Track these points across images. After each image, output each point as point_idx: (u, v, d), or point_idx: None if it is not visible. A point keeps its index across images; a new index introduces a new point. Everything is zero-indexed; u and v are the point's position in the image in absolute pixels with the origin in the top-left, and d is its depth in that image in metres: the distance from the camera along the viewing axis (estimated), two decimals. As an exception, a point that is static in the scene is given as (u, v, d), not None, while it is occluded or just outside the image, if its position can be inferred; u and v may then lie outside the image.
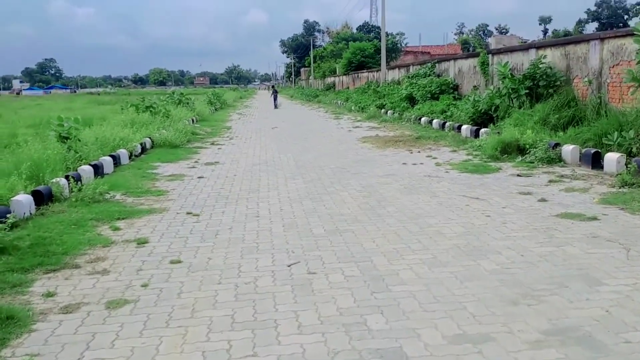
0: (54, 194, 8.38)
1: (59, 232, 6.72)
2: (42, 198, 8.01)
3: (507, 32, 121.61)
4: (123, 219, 7.63)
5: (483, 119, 17.20)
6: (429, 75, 26.77)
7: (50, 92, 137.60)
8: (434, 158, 13.15)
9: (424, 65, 28.32)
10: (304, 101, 58.46)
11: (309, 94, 64.36)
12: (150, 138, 16.30)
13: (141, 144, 14.99)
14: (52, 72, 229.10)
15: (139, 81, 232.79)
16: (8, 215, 6.03)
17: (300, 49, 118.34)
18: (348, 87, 53.59)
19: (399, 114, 24.77)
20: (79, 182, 8.82)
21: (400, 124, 22.50)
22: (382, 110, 27.94)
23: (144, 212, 8.05)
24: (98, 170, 10.84)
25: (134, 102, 21.24)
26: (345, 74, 57.04)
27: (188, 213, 8.00)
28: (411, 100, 26.01)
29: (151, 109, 20.69)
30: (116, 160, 12.42)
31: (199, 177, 11.19)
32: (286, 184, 10.30)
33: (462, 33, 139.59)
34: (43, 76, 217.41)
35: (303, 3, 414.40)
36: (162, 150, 15.51)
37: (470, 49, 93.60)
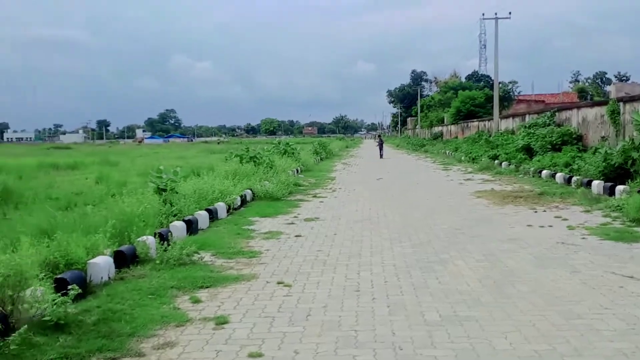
0: (138, 254, 7.73)
1: (132, 303, 5.92)
2: (124, 259, 7.36)
3: (627, 79, 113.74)
4: (207, 287, 6.75)
5: (617, 174, 15.08)
6: (548, 124, 24.68)
7: (169, 141, 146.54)
8: (564, 219, 11.35)
9: (543, 114, 26.24)
10: (410, 150, 57.15)
11: (416, 143, 63.04)
12: (251, 190, 15.76)
13: (241, 196, 14.43)
14: (172, 121, 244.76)
15: (251, 130, 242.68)
16: (70, 287, 5.29)
17: (407, 99, 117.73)
18: (457, 137, 51.71)
19: (515, 165, 22.81)
20: (166, 242, 8.14)
21: (517, 177, 20.58)
22: (496, 161, 26.04)
23: (231, 279, 7.13)
24: (191, 226, 10.21)
25: (239, 152, 21.05)
26: (453, 123, 55.26)
27: (279, 283, 6.97)
28: (528, 151, 24.00)
29: (255, 159, 20.37)
30: (212, 214, 11.81)
31: (297, 236, 10.22)
32: (391, 248, 9.05)
33: (578, 81, 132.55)
34: (163, 126, 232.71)
35: (410, 54, 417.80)
36: (263, 203, 14.86)
37: (588, 97, 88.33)
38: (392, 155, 46.51)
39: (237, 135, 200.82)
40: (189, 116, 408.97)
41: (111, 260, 7.02)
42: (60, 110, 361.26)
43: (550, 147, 22.03)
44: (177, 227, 9.63)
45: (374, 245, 9.31)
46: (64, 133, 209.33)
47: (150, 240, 8.11)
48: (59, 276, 5.89)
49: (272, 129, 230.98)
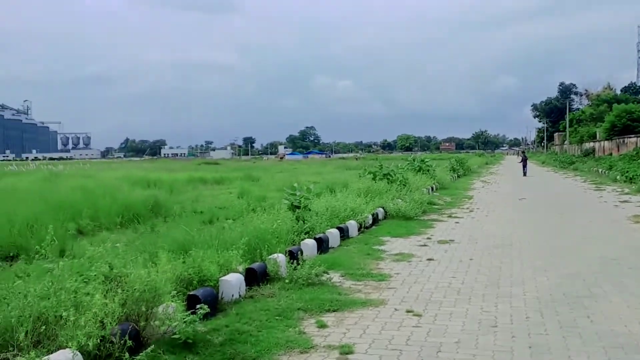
0: (269, 272, 7.77)
1: (259, 324, 5.89)
2: (255, 277, 7.42)
3: None
4: (334, 311, 6.57)
5: None
6: None
7: (308, 157, 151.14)
8: None
9: None
10: (557, 168, 53.43)
11: (564, 160, 58.83)
12: (383, 208, 15.49)
13: (373, 215, 14.21)
14: (311, 138, 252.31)
15: (387, 146, 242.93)
16: (199, 306, 5.36)
17: (554, 113, 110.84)
18: (611, 153, 47.46)
19: (683, 187, 20.25)
20: (296, 260, 8.10)
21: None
22: (659, 181, 23.34)
23: (359, 303, 6.89)
24: (322, 244, 10.16)
25: (372, 169, 20.90)
26: (607, 139, 50.82)
27: (408, 311, 6.60)
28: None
29: (388, 176, 20.10)
30: (343, 232, 11.71)
31: (429, 259, 9.75)
32: (534, 278, 8.26)
33: None
34: (303, 142, 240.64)
35: (557, 66, 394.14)
36: (394, 223, 14.51)
37: None
38: (536, 173, 43.74)
39: (373, 152, 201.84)
40: (328, 133, 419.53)
41: (242, 278, 7.11)
42: (210, 128, 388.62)
43: None
44: (308, 245, 9.62)
45: (515, 274, 8.57)
46: (213, 149, 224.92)
47: (280, 258, 8.14)
48: (191, 293, 6.04)
49: (408, 144, 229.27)
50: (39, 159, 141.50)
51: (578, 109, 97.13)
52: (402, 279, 8.26)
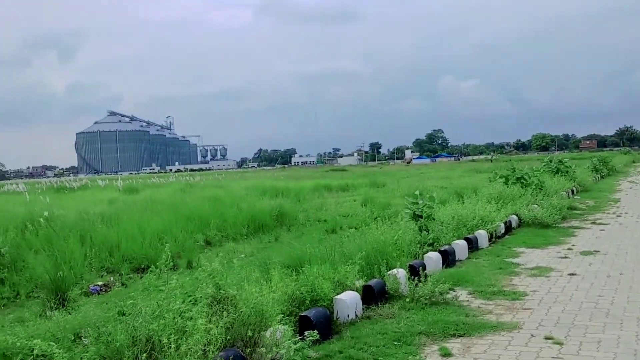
0: (388, 289, 7.26)
1: (375, 350, 5.41)
2: (372, 295, 6.96)
3: None
4: (460, 335, 5.92)
5: None
6: None
7: (436, 160, 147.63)
8: None
9: None
10: None
11: None
12: (517, 215, 14.32)
13: (505, 223, 13.16)
14: (439, 141, 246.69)
15: (521, 147, 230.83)
16: (307, 333, 4.99)
17: None
18: None
19: None
20: (418, 276, 7.51)
21: None
22: None
23: (489, 327, 6.16)
24: (447, 257, 9.45)
25: (504, 172, 19.51)
26: None
27: (547, 338, 5.77)
28: None
29: (522, 180, 18.65)
30: (472, 243, 10.88)
31: (570, 274, 8.67)
32: None
33: None
34: (431, 146, 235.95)
35: None
36: (530, 231, 13.33)
37: None
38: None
39: (506, 153, 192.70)
40: (456, 135, 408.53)
41: (358, 296, 6.68)
42: (338, 135, 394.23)
43: None
44: (432, 258, 8.98)
45: (677, 293, 7.34)
46: (341, 156, 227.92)
47: (401, 273, 7.60)
48: (302, 314, 5.71)
49: (544, 144, 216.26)
50: (181, 171, 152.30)
51: None
52: (539, 298, 7.36)
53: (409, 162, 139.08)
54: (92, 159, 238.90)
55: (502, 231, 12.77)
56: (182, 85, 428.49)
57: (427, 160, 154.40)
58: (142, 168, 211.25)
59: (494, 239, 12.06)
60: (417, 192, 11.52)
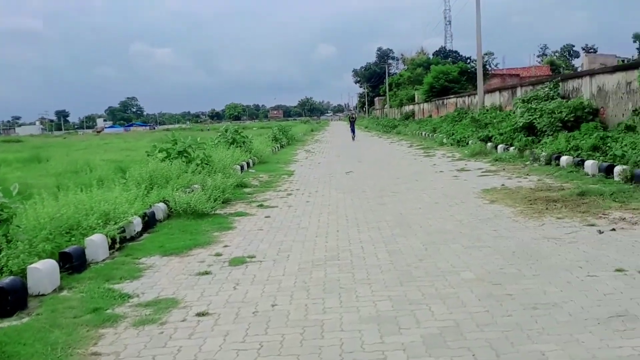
0: None
1: None
2: None
3: (595, 51, 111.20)
4: None
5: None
6: (552, 97, 20.27)
7: (130, 130, 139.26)
8: (660, 248, 6.85)
9: (544, 85, 21.81)
10: (381, 132, 52.73)
11: (386, 124, 58.55)
12: (166, 202, 10.90)
13: (146, 216, 9.59)
14: (134, 110, 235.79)
15: (215, 116, 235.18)
16: None
17: (374, 78, 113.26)
18: (430, 115, 47.42)
19: (518, 150, 18.36)
20: None
21: (527, 165, 16.12)
22: (489, 144, 21.60)
23: None
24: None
25: (165, 145, 15.89)
26: (427, 101, 50.86)
27: None
28: (530, 130, 19.58)
29: (185, 154, 15.37)
30: (72, 260, 6.93)
31: (199, 315, 5.41)
32: (382, 340, 4.37)
33: (546, 55, 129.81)
34: (125, 114, 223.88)
35: (374, 34, 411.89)
36: (179, 224, 10.02)
37: (561, 70, 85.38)
38: (362, 138, 41.92)
39: (201, 122, 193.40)
40: (152, 104, 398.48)
41: None
42: (18, 102, 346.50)
43: (560, 125, 17.64)
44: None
45: (346, 335, 4.58)
46: (20, 125, 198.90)
47: None
48: None
49: (236, 113, 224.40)
50: None
51: (396, 73, 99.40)
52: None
53: (99, 132, 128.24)
54: None
55: (139, 228, 9.18)
56: None
57: (121, 130, 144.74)
58: None
59: (118, 245, 8.31)
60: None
